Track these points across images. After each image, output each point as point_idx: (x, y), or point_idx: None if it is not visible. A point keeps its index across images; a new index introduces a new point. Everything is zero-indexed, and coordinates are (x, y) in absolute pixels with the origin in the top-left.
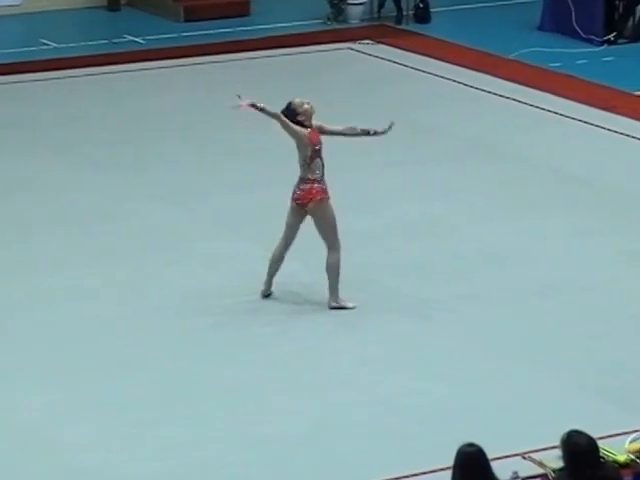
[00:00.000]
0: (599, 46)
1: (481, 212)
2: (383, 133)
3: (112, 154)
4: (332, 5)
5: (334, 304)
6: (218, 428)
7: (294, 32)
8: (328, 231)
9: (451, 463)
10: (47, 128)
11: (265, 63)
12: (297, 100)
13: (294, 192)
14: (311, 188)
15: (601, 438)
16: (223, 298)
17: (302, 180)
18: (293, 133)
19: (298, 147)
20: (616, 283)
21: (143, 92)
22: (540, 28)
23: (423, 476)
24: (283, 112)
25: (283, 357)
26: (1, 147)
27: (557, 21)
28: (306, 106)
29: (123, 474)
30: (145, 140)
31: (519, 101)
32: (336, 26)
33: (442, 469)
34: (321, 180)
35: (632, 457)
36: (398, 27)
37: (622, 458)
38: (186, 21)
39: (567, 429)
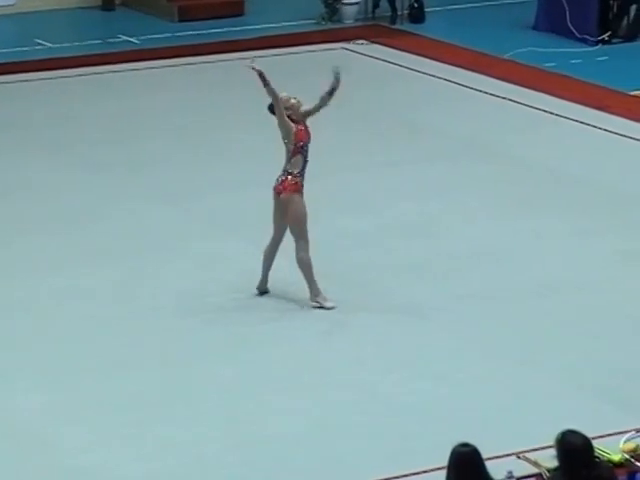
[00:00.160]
0: (593, 46)
1: (476, 212)
2: (337, 82)
3: (106, 154)
4: (326, 5)
5: (313, 303)
6: (216, 428)
7: (288, 32)
8: (294, 225)
9: (446, 463)
10: (41, 128)
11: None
12: (284, 95)
13: (275, 182)
14: (286, 180)
15: (596, 438)
16: (219, 297)
17: (283, 171)
18: (283, 124)
19: (283, 139)
20: (612, 283)
21: (137, 92)
22: (535, 28)
23: (419, 476)
24: (269, 107)
25: (281, 356)
26: None
27: (552, 21)
28: (293, 101)
29: (121, 474)
30: (139, 140)
31: (514, 101)
32: (330, 26)
33: (438, 469)
34: (298, 175)
35: (626, 457)
36: (393, 27)
37: (617, 458)
38: (180, 21)
39: (562, 429)
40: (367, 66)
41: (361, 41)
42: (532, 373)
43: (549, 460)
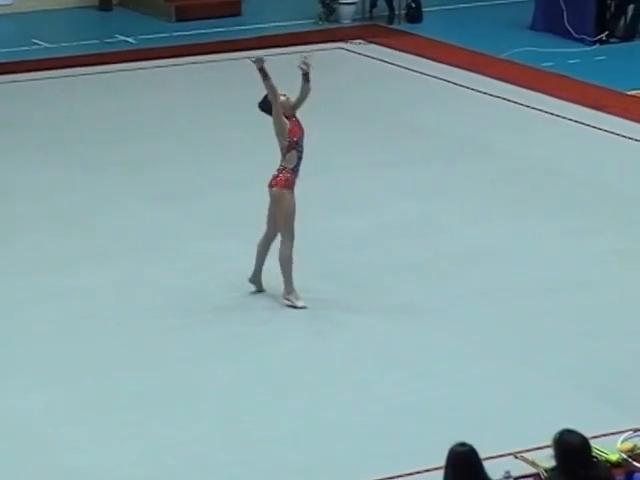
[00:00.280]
0: (591, 45)
1: (474, 211)
2: (307, 65)
3: (105, 154)
4: (324, 5)
5: (285, 300)
6: (216, 428)
7: (286, 32)
8: (280, 221)
9: (444, 462)
10: (39, 128)
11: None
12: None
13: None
14: (279, 174)
15: (593, 437)
16: (218, 297)
17: (278, 167)
18: (278, 120)
19: (277, 135)
20: (610, 282)
21: (135, 92)
22: (532, 28)
23: (416, 475)
24: (260, 104)
25: (280, 356)
26: None
27: (549, 21)
28: (282, 98)
29: (120, 474)
30: (138, 140)
31: (511, 100)
32: (328, 26)
33: (435, 468)
34: (292, 171)
35: (624, 456)
36: (390, 27)
37: (614, 457)
38: (178, 21)
39: (560, 428)
40: (364, 66)
41: (358, 41)
42: (530, 373)
43: (547, 460)
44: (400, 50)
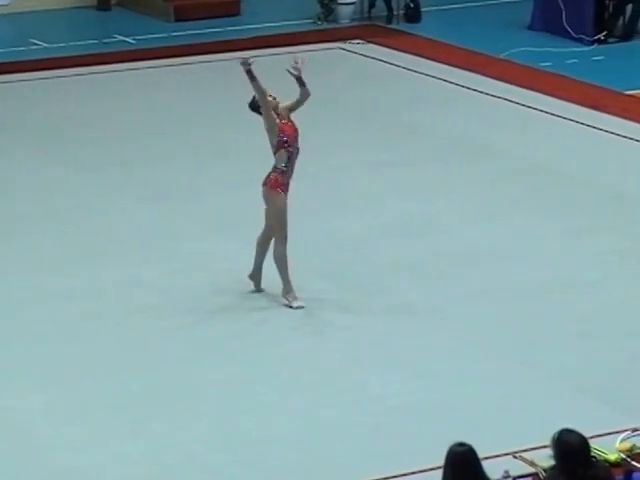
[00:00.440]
0: (589, 45)
1: (473, 212)
2: (297, 70)
3: (102, 154)
4: (322, 5)
5: (283, 300)
6: (215, 428)
7: (284, 32)
8: (272, 221)
9: (442, 462)
10: (36, 128)
11: (255, 63)
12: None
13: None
14: (270, 175)
15: (592, 437)
16: (217, 297)
17: (272, 166)
18: (267, 117)
19: (267, 132)
20: (609, 282)
21: (133, 92)
22: (530, 27)
23: (415, 475)
24: (250, 104)
25: (279, 356)
26: None
27: (547, 20)
28: (269, 98)
29: (120, 474)
30: (136, 140)
31: (509, 100)
32: (326, 26)
33: (434, 468)
34: (283, 172)
35: (623, 456)
36: (388, 27)
37: (613, 457)
38: (176, 21)
39: (558, 428)
40: (363, 66)
41: (357, 41)
42: (530, 373)
43: (546, 460)
44: (399, 50)
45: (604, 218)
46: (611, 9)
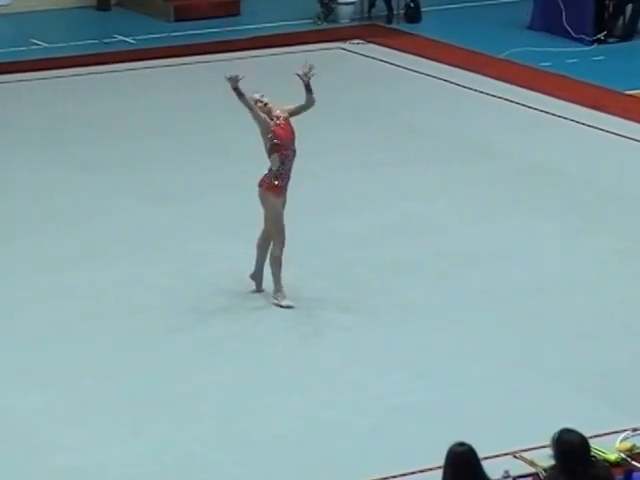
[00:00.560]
0: (589, 45)
1: (473, 212)
2: (307, 77)
3: (102, 154)
4: (322, 5)
5: (273, 300)
6: (215, 428)
7: (284, 32)
8: (268, 223)
9: (442, 462)
10: (37, 128)
11: (255, 63)
12: (256, 96)
13: None
14: (264, 176)
15: (592, 437)
16: (215, 297)
17: (268, 169)
18: (260, 123)
19: (261, 135)
20: (609, 282)
21: (133, 92)
22: (530, 27)
23: (415, 475)
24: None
25: (279, 356)
26: None
27: (547, 20)
28: (259, 104)
29: (120, 475)
30: (136, 140)
31: (509, 100)
32: (326, 26)
33: (434, 468)
34: (278, 176)
35: (623, 456)
36: (389, 27)
37: (613, 457)
38: (176, 21)
39: (558, 428)
40: (363, 66)
41: (357, 41)
42: (529, 373)
43: (546, 459)
44: (399, 50)
45: (604, 218)
46: (611, 9)
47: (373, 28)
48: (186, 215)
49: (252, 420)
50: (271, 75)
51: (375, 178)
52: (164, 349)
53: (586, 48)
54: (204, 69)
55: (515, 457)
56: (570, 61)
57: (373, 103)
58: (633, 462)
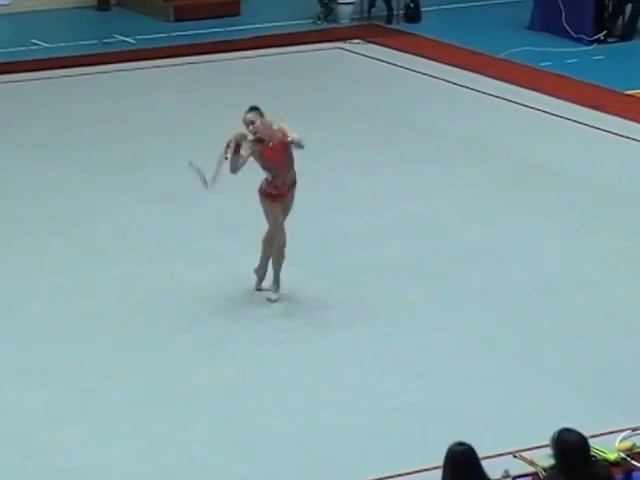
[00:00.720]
0: (589, 45)
1: (473, 212)
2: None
3: (104, 154)
4: (322, 5)
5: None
6: (215, 428)
7: (284, 32)
8: (269, 226)
9: (442, 462)
10: (37, 128)
11: (255, 63)
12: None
13: None
14: (262, 183)
15: (592, 437)
16: (217, 297)
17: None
18: (251, 154)
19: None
20: (609, 282)
21: (134, 92)
22: (530, 27)
23: (414, 475)
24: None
25: (279, 356)
26: None
27: (547, 20)
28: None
29: (120, 475)
30: (137, 140)
31: (509, 100)
32: (326, 26)
33: (433, 468)
34: (271, 183)
35: (622, 455)
36: (388, 26)
37: (612, 456)
38: (176, 21)
39: (558, 428)
40: (363, 66)
41: (357, 41)
42: (528, 372)
43: (545, 459)
44: (399, 50)
45: (604, 218)
46: (611, 9)
47: (373, 28)
48: (186, 215)
49: (252, 420)
50: (271, 75)
51: (375, 178)
52: (164, 349)
53: (586, 48)
54: (204, 69)
55: (515, 457)
56: (570, 61)
57: (373, 103)
58: (633, 462)
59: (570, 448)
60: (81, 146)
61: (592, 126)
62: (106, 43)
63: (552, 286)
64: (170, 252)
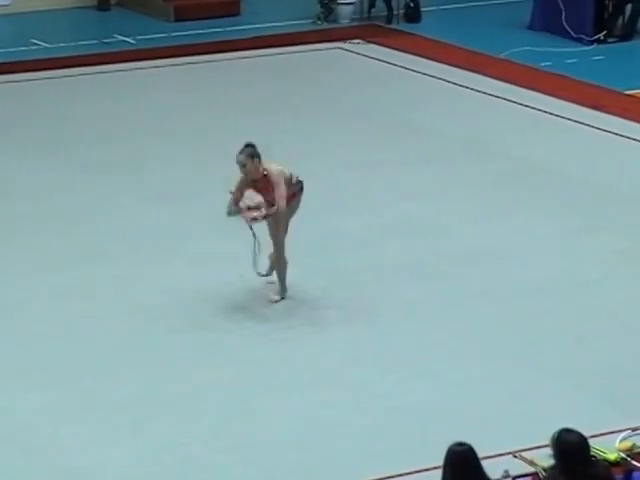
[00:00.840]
0: (589, 45)
1: (473, 212)
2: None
3: (104, 154)
4: (322, 5)
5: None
6: (215, 428)
7: (284, 32)
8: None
9: (442, 462)
10: (37, 128)
11: (255, 63)
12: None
13: None
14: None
15: (592, 437)
16: (217, 298)
17: None
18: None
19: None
20: (609, 282)
21: (134, 92)
22: (530, 27)
23: (415, 475)
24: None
25: (279, 356)
26: None
27: (547, 20)
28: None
29: (120, 475)
30: (137, 140)
31: (509, 100)
32: (326, 26)
33: (433, 468)
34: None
35: (622, 455)
36: (388, 26)
37: (612, 456)
38: (176, 21)
39: (558, 428)
40: (363, 66)
41: (357, 41)
42: (528, 372)
43: (545, 459)
44: (399, 50)
45: (604, 218)
46: (611, 9)
47: (373, 28)
48: (186, 215)
49: (252, 420)
50: (271, 75)
51: (375, 178)
52: (164, 349)
53: (586, 48)
54: (204, 69)
55: (515, 457)
56: (570, 61)
57: (373, 103)
58: (633, 462)
59: (570, 448)
60: (81, 146)
61: (592, 126)
62: (106, 43)
63: (552, 286)
64: (170, 252)
